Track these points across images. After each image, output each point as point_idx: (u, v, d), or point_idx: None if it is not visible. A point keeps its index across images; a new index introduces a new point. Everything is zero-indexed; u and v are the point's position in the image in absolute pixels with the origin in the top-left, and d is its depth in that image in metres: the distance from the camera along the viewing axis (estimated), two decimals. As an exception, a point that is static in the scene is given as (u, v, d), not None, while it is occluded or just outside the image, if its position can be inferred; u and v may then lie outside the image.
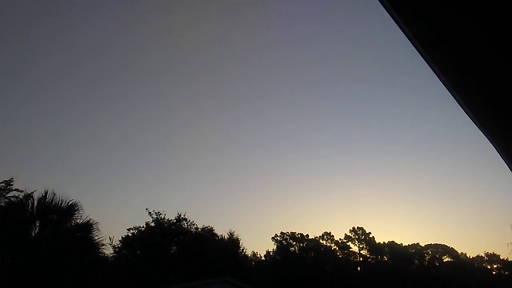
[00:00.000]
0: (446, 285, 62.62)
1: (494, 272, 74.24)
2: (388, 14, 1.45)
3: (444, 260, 74.48)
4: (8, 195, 27.98)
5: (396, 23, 1.38)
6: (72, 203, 19.98)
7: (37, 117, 67.69)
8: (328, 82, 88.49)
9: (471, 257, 76.52)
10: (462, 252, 76.42)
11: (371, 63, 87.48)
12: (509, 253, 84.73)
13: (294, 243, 66.91)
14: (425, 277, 64.79)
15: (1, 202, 26.61)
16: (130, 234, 37.98)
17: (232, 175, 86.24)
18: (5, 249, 18.23)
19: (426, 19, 1.32)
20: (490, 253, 75.76)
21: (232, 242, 44.97)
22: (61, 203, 19.73)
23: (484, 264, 75.73)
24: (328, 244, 68.67)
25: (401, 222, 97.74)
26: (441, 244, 75.19)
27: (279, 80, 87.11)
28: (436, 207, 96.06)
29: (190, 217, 40.77)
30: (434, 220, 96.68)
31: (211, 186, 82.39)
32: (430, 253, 74.21)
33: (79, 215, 20.18)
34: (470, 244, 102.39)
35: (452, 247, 75.29)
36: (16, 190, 28.34)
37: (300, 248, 66.28)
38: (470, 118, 1.60)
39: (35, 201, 19.75)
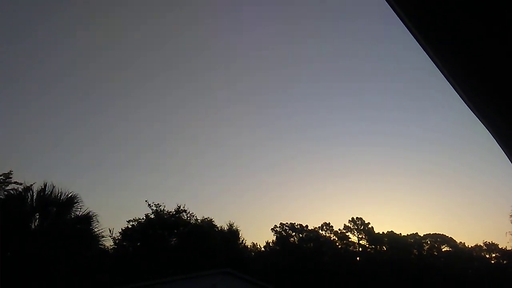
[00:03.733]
0: (445, 274, 62.99)
1: (492, 261, 74.66)
2: (390, 8, 1.43)
3: (443, 250, 74.86)
4: (7, 188, 27.97)
5: (398, 16, 1.36)
6: (71, 195, 20.01)
7: (36, 110, 67.49)
8: (327, 76, 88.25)
9: (469, 246, 76.99)
10: (461, 242, 76.86)
11: (371, 56, 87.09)
12: (508, 242, 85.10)
13: (294, 233, 67.16)
14: (424, 266, 65.14)
15: (1, 195, 26.64)
16: (130, 226, 38.12)
17: (231, 167, 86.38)
18: (5, 242, 18.26)
19: (429, 12, 1.31)
20: (489, 242, 76.18)
21: (232, 234, 45.12)
22: (60, 196, 19.75)
23: (482, 253, 76.12)
24: (327, 235, 68.95)
25: (400, 212, 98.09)
26: (440, 234, 75.52)
27: (278, 75, 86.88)
28: (435, 197, 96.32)
29: (190, 208, 40.88)
30: (433, 210, 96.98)
31: (210, 178, 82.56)
32: (429, 242, 74.52)
33: (79, 207, 20.22)
34: (468, 233, 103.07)
35: (451, 237, 75.71)
36: (15, 183, 28.32)
37: (300, 239, 66.54)
38: (470, 109, 1.59)
39: (34, 194, 19.78)
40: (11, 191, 23.47)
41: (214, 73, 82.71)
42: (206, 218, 43.42)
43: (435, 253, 73.62)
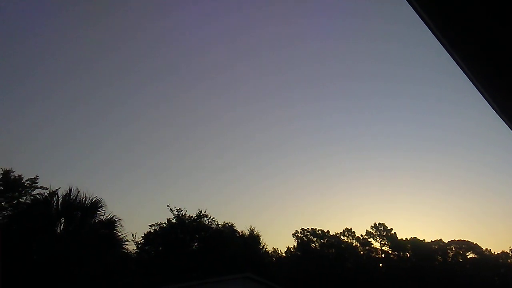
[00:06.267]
0: (470, 281, 61.62)
1: (520, 269, 72.79)
2: (410, 8, 1.44)
3: (468, 257, 73.28)
4: (34, 192, 28.77)
5: (419, 15, 1.37)
6: (95, 200, 20.33)
7: (63, 117, 68.96)
8: (350, 76, 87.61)
9: (496, 253, 75.16)
10: (486, 248, 75.10)
11: (386, 56, 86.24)
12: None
13: (315, 239, 66.70)
14: (449, 273, 63.88)
15: (27, 200, 27.35)
16: (152, 231, 38.53)
17: (252, 172, 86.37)
18: (31, 245, 18.69)
19: (449, 9, 1.31)
20: (516, 249, 74.30)
21: (253, 239, 45.09)
22: (85, 200, 20.09)
23: (509, 260, 74.25)
24: (349, 241, 68.27)
25: (423, 218, 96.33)
26: (464, 240, 73.98)
27: (297, 75, 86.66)
28: (459, 202, 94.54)
29: (211, 213, 41.05)
30: (457, 216, 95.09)
31: (231, 183, 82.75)
32: (453, 249, 73.07)
33: (103, 211, 20.52)
34: (494, 240, 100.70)
35: (476, 243, 74.05)
36: (41, 187, 29.15)
37: (321, 245, 66.04)
38: (495, 111, 1.58)
39: (59, 198, 20.15)
40: (37, 196, 24.07)
41: (240, 74, 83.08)
42: (227, 223, 43.60)
43: (460, 260, 72.12)
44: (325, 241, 66.36)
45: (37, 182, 29.88)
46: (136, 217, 63.14)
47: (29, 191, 29.11)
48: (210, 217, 40.12)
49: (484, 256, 72.65)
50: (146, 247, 37.86)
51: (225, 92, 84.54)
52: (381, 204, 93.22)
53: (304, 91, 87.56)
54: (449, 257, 71.89)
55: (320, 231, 67.04)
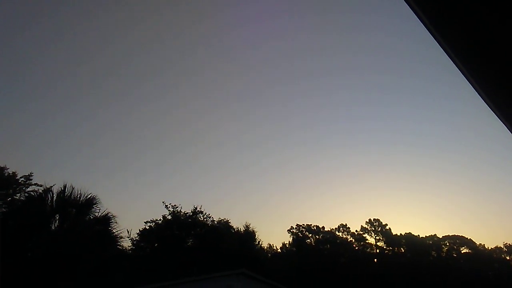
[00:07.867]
0: (464, 276, 62.04)
1: (513, 263, 73.34)
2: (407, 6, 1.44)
3: (462, 252, 73.76)
4: (28, 189, 28.62)
5: (416, 14, 1.36)
6: (90, 196, 20.25)
7: (56, 113, 68.56)
8: (345, 71, 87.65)
9: (489, 248, 75.71)
10: (480, 243, 75.64)
11: (384, 52, 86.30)
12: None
13: (310, 235, 66.92)
14: (443, 268, 64.27)
15: (22, 197, 27.22)
16: (147, 227, 38.52)
17: (247, 168, 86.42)
18: (26, 243, 18.61)
19: (448, 8, 1.30)
20: (509, 244, 74.85)
21: (248, 235, 45.16)
22: (79, 197, 20.00)
23: (503, 255, 74.82)
24: (344, 236, 68.56)
25: (418, 214, 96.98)
26: (459, 236, 74.47)
27: (297, 69, 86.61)
28: (454, 197, 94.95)
29: (206, 209, 41.08)
30: (452, 211, 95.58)
31: (226, 179, 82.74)
32: (447, 244, 73.52)
33: (97, 208, 20.46)
34: (488, 235, 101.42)
35: (470, 238, 74.54)
36: (35, 184, 28.99)
37: (316, 240, 66.27)
38: (490, 107, 1.58)
39: (54, 195, 20.05)
40: (32, 193, 23.96)
41: (232, 70, 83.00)
42: (222, 219, 43.63)
43: (454, 255, 72.59)
44: (320, 237, 66.59)
45: (31, 179, 29.73)
46: (131, 213, 63.14)
47: (24, 188, 28.96)
48: (205, 214, 40.20)
49: (478, 251, 73.15)
50: (142, 244, 37.84)
51: (220, 88, 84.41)
52: (376, 199, 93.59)
53: (298, 87, 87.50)
54: (443, 252, 72.33)
55: (315, 227, 67.26)
